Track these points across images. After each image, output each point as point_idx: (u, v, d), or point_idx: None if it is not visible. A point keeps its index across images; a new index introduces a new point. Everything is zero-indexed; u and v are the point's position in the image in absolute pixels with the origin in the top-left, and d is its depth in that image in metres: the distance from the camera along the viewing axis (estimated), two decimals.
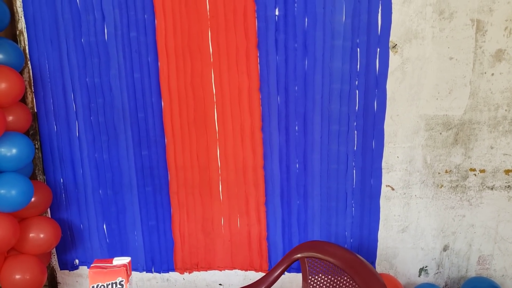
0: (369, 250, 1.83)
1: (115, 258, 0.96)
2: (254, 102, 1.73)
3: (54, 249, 1.92)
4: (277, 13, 1.65)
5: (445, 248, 1.83)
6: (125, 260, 0.95)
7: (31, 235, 1.69)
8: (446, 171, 1.76)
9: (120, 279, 0.92)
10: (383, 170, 1.77)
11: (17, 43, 1.75)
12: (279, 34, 1.67)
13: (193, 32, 1.68)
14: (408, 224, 1.81)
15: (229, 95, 1.73)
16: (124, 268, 0.93)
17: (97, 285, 0.91)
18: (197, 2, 1.65)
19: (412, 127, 1.73)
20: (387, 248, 1.84)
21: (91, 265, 0.94)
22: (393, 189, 1.79)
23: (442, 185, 1.77)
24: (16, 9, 1.72)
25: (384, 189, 1.79)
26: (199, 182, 1.81)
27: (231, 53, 1.69)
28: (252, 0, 1.64)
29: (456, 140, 1.73)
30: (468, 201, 1.77)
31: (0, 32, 1.65)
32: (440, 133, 1.73)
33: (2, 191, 1.55)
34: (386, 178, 1.78)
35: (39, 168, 1.85)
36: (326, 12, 1.63)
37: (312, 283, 1.33)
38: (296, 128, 1.74)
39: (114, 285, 0.92)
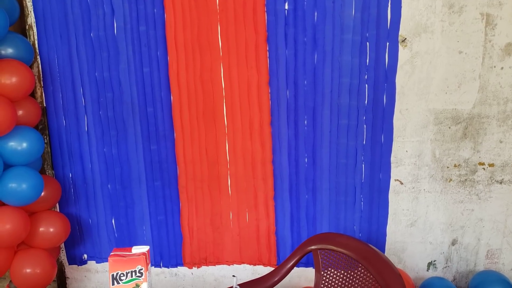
0: (378, 244, 1.83)
1: (134, 247, 0.96)
2: (263, 96, 1.73)
3: (63, 244, 1.92)
4: (286, 7, 1.65)
5: (453, 242, 1.83)
6: (144, 248, 0.95)
7: (41, 229, 1.69)
8: (455, 165, 1.76)
9: (140, 267, 0.92)
10: (392, 165, 1.77)
11: (27, 38, 1.75)
12: (288, 28, 1.67)
13: (203, 26, 1.68)
14: (417, 218, 1.82)
15: (238, 89, 1.73)
16: (144, 257, 0.93)
17: (117, 273, 0.91)
18: None
19: (421, 121, 1.73)
20: (395, 243, 1.84)
21: (111, 253, 0.94)
22: (401, 183, 1.80)
23: (450, 179, 1.77)
24: (26, 3, 1.72)
25: (393, 184, 1.79)
26: (208, 176, 1.81)
27: (241, 47, 1.69)
28: None
29: (465, 134, 1.73)
30: (477, 195, 1.77)
31: (9, 26, 1.65)
32: (449, 127, 1.73)
33: (13, 185, 1.56)
34: (395, 173, 1.78)
35: (48, 163, 1.85)
36: (336, 6, 1.63)
37: (325, 275, 1.33)
38: (305, 122, 1.74)
39: (133, 273, 0.92)
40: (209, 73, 1.72)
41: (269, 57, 1.70)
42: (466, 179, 1.77)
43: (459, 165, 1.76)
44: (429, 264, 1.86)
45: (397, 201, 1.80)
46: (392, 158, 1.77)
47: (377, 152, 1.75)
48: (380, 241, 1.83)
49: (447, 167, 1.77)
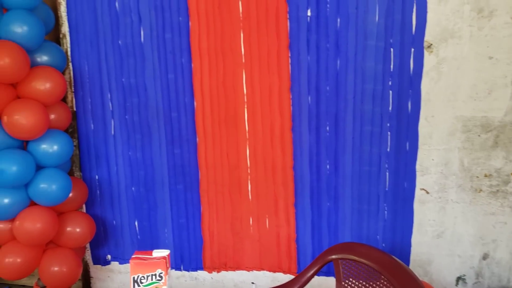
0: (402, 255, 1.77)
1: (155, 251, 0.98)
2: (285, 102, 1.73)
3: (88, 243, 1.98)
4: (309, 14, 1.66)
5: (484, 257, 1.74)
6: (165, 252, 0.97)
7: (68, 229, 1.75)
8: (486, 175, 1.68)
9: (160, 271, 0.94)
10: (417, 173, 1.72)
11: (60, 46, 1.85)
12: (311, 35, 1.67)
13: (226, 34, 1.71)
14: (444, 229, 1.74)
15: (259, 95, 1.74)
16: (164, 260, 0.94)
17: (137, 276, 0.93)
18: (230, 4, 1.68)
19: (448, 128, 1.68)
20: (421, 254, 1.77)
21: (132, 256, 0.96)
22: (427, 192, 1.73)
23: (480, 190, 1.69)
24: (60, 13, 1.82)
25: (418, 193, 1.73)
26: (229, 181, 1.82)
27: (263, 54, 1.71)
28: (285, 1, 1.65)
29: (497, 142, 1.65)
30: (510, 207, 1.68)
31: (45, 35, 1.75)
32: (479, 135, 1.66)
33: (44, 185, 1.63)
34: (420, 181, 1.72)
35: (76, 165, 1.93)
36: (359, 12, 1.62)
37: (346, 285, 1.30)
38: (327, 128, 1.73)
39: (153, 276, 0.94)
40: (231, 79, 1.75)
41: (291, 63, 1.70)
42: (498, 190, 1.68)
43: (490, 175, 1.68)
44: (458, 278, 1.78)
45: (422, 211, 1.74)
46: (418, 166, 1.71)
47: (401, 159, 1.70)
48: (404, 252, 1.77)
49: (477, 177, 1.69)
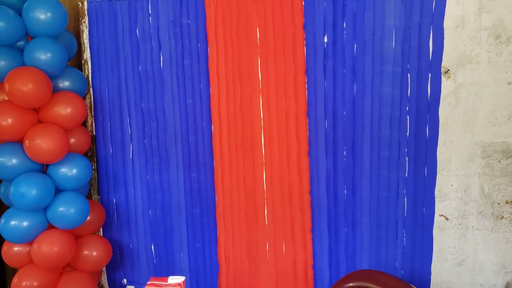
0: (422, 283, 1.73)
1: (170, 277, 0.98)
2: (301, 127, 1.74)
3: (104, 267, 1.98)
4: (326, 40, 1.68)
5: (507, 286, 1.69)
6: (180, 279, 0.97)
7: (85, 252, 1.76)
8: (507, 202, 1.65)
9: None
10: (436, 199, 1.69)
11: (82, 71, 1.89)
12: (327, 60, 1.69)
13: (243, 60, 1.74)
14: (465, 257, 1.70)
15: (276, 119, 1.75)
16: (179, 287, 0.94)
17: None
18: (248, 31, 1.72)
19: (467, 154, 1.66)
20: (441, 282, 1.73)
21: (148, 282, 0.96)
22: (447, 219, 1.71)
23: (502, 217, 1.66)
24: (83, 40, 1.88)
25: (437, 219, 1.71)
26: (245, 205, 1.82)
27: (279, 79, 1.73)
28: (301, 28, 1.68)
29: None
30: None
31: (68, 61, 1.79)
32: (499, 161, 1.64)
33: (62, 209, 1.65)
34: (439, 207, 1.70)
35: (95, 188, 1.94)
36: (375, 38, 1.64)
37: None
38: (344, 153, 1.72)
39: None
40: (248, 104, 1.76)
41: (307, 88, 1.72)
42: None
43: (511, 201, 1.65)
44: None
45: (442, 237, 1.71)
46: (436, 192, 1.69)
47: (420, 185, 1.68)
48: (424, 280, 1.73)
49: (498, 204, 1.66)
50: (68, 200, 1.66)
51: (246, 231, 1.83)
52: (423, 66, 1.63)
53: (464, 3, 1.59)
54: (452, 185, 1.69)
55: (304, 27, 1.68)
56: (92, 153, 1.94)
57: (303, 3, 1.67)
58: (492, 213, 1.67)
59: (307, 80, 1.71)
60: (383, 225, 1.72)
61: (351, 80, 1.68)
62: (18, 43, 1.67)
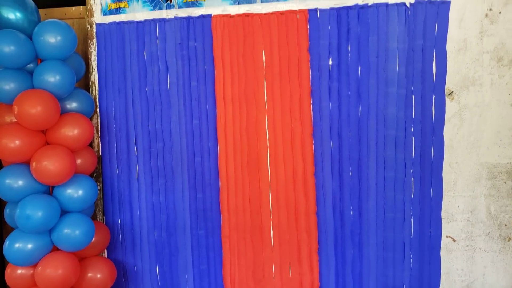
0: None
1: None
2: (307, 147, 1.75)
3: None
4: (330, 62, 1.70)
5: None
6: None
7: (89, 274, 1.74)
8: None
9: None
10: (442, 220, 1.69)
11: (89, 92, 1.91)
12: (332, 82, 1.71)
13: (250, 81, 1.76)
14: (473, 279, 1.69)
15: (282, 140, 1.76)
16: None
17: None
18: (254, 53, 1.74)
19: (473, 175, 1.67)
20: None
21: None
22: (454, 240, 1.70)
23: (510, 238, 1.65)
24: (91, 62, 1.90)
25: (444, 240, 1.70)
26: (251, 226, 1.81)
27: (285, 101, 1.74)
28: (306, 51, 1.71)
29: None
30: None
31: (76, 83, 1.81)
32: (505, 182, 1.65)
33: (67, 231, 1.63)
34: (446, 229, 1.69)
35: (100, 209, 1.94)
36: (380, 60, 1.67)
37: None
38: (350, 174, 1.73)
39: None
40: (254, 125, 1.78)
41: (313, 109, 1.73)
42: None
43: None
44: None
45: (450, 259, 1.70)
46: (443, 213, 1.69)
47: (426, 206, 1.68)
48: None
49: (505, 225, 1.66)
50: (74, 222, 1.65)
51: (252, 253, 1.81)
52: (427, 88, 1.65)
53: (466, 27, 1.63)
54: (458, 206, 1.68)
55: (309, 49, 1.71)
56: (98, 174, 1.94)
57: (308, 26, 1.70)
58: (500, 235, 1.66)
59: (313, 101, 1.73)
60: (390, 247, 1.71)
61: (356, 101, 1.70)
62: (28, 65, 1.69)
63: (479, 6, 1.61)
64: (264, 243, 1.80)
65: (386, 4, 1.64)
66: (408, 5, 1.63)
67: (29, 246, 1.61)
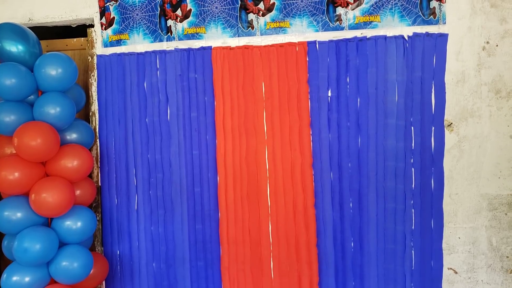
0: None
1: None
2: (307, 178, 1.74)
3: None
4: (330, 94, 1.71)
5: None
6: None
7: None
8: None
9: None
10: (444, 252, 1.68)
11: (89, 122, 1.91)
12: (331, 114, 1.72)
13: (249, 112, 1.77)
14: None
15: (281, 171, 1.76)
16: None
17: None
18: (253, 85, 1.76)
19: (474, 206, 1.66)
20: None
21: None
22: (456, 272, 1.68)
23: None
24: (91, 93, 1.91)
25: (446, 272, 1.68)
26: (250, 258, 1.79)
27: (285, 132, 1.75)
28: (306, 83, 1.72)
29: None
30: None
31: (76, 113, 1.82)
32: (506, 214, 1.64)
33: (66, 263, 1.62)
34: (447, 260, 1.68)
35: (98, 240, 1.92)
36: (379, 92, 1.68)
37: None
38: (351, 205, 1.72)
39: None
40: (254, 156, 1.78)
41: (312, 140, 1.74)
42: None
43: None
44: None
45: None
46: (444, 245, 1.68)
47: (427, 238, 1.67)
48: None
49: (507, 257, 1.64)
50: (72, 254, 1.63)
51: (252, 285, 1.79)
52: (426, 119, 1.66)
53: (463, 59, 1.64)
54: (459, 237, 1.68)
55: (309, 81, 1.72)
56: (97, 204, 1.93)
57: (307, 59, 1.72)
58: (502, 267, 1.65)
59: (312, 132, 1.74)
60: (391, 279, 1.69)
61: (356, 132, 1.71)
62: (29, 97, 1.70)
63: (476, 39, 1.63)
64: (264, 275, 1.78)
65: (385, 37, 1.66)
66: (406, 38, 1.65)
67: (27, 279, 1.60)
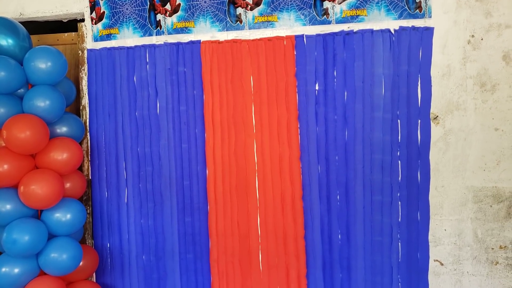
0: None
1: None
2: (295, 171, 1.76)
3: None
4: (317, 87, 1.73)
5: None
6: None
7: None
8: (501, 247, 1.65)
9: None
10: (430, 244, 1.69)
11: (80, 116, 1.93)
12: (319, 107, 1.73)
13: (238, 106, 1.78)
14: None
15: (270, 164, 1.77)
16: None
17: None
18: (242, 78, 1.77)
19: (459, 199, 1.68)
20: None
21: None
22: (442, 264, 1.70)
23: (497, 262, 1.66)
24: (82, 87, 1.93)
25: (432, 264, 1.70)
26: (239, 250, 1.80)
27: (273, 125, 1.76)
28: (294, 76, 1.74)
29: (509, 213, 1.64)
30: None
31: (66, 107, 1.83)
32: (491, 206, 1.66)
33: (55, 255, 1.63)
34: (433, 252, 1.70)
35: (89, 233, 1.93)
36: (365, 86, 1.69)
37: None
38: (338, 197, 1.74)
39: None
40: (242, 149, 1.79)
41: (300, 134, 1.75)
42: None
43: (505, 246, 1.65)
44: None
45: (438, 283, 1.69)
46: (430, 237, 1.69)
47: (413, 230, 1.69)
48: None
49: (492, 249, 1.66)
50: (61, 246, 1.65)
51: (240, 277, 1.81)
52: (412, 112, 1.67)
53: (449, 53, 1.66)
54: (445, 229, 1.69)
55: (296, 75, 1.74)
56: (88, 197, 1.94)
57: (295, 52, 1.73)
58: (487, 259, 1.67)
59: (300, 125, 1.75)
60: (378, 271, 1.71)
61: (343, 126, 1.72)
62: (18, 90, 1.71)
63: (462, 33, 1.65)
64: (253, 268, 1.80)
65: (371, 31, 1.68)
66: (393, 32, 1.67)
67: (16, 270, 1.61)
